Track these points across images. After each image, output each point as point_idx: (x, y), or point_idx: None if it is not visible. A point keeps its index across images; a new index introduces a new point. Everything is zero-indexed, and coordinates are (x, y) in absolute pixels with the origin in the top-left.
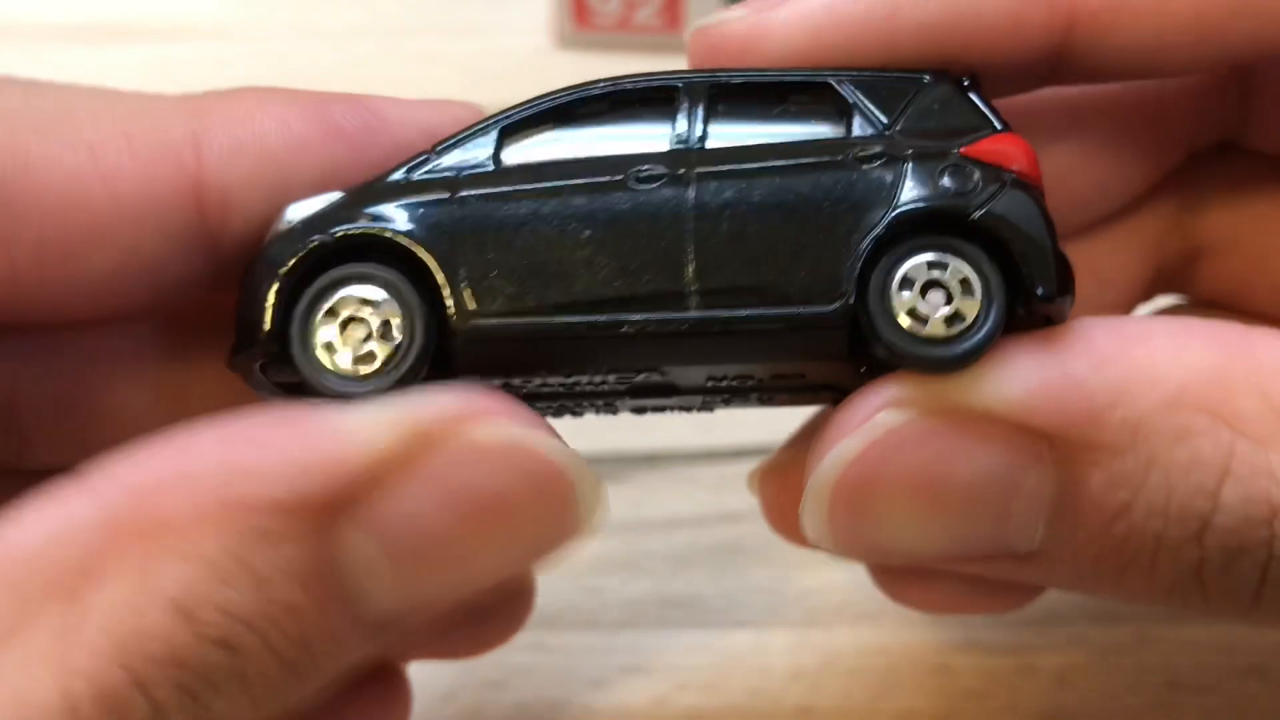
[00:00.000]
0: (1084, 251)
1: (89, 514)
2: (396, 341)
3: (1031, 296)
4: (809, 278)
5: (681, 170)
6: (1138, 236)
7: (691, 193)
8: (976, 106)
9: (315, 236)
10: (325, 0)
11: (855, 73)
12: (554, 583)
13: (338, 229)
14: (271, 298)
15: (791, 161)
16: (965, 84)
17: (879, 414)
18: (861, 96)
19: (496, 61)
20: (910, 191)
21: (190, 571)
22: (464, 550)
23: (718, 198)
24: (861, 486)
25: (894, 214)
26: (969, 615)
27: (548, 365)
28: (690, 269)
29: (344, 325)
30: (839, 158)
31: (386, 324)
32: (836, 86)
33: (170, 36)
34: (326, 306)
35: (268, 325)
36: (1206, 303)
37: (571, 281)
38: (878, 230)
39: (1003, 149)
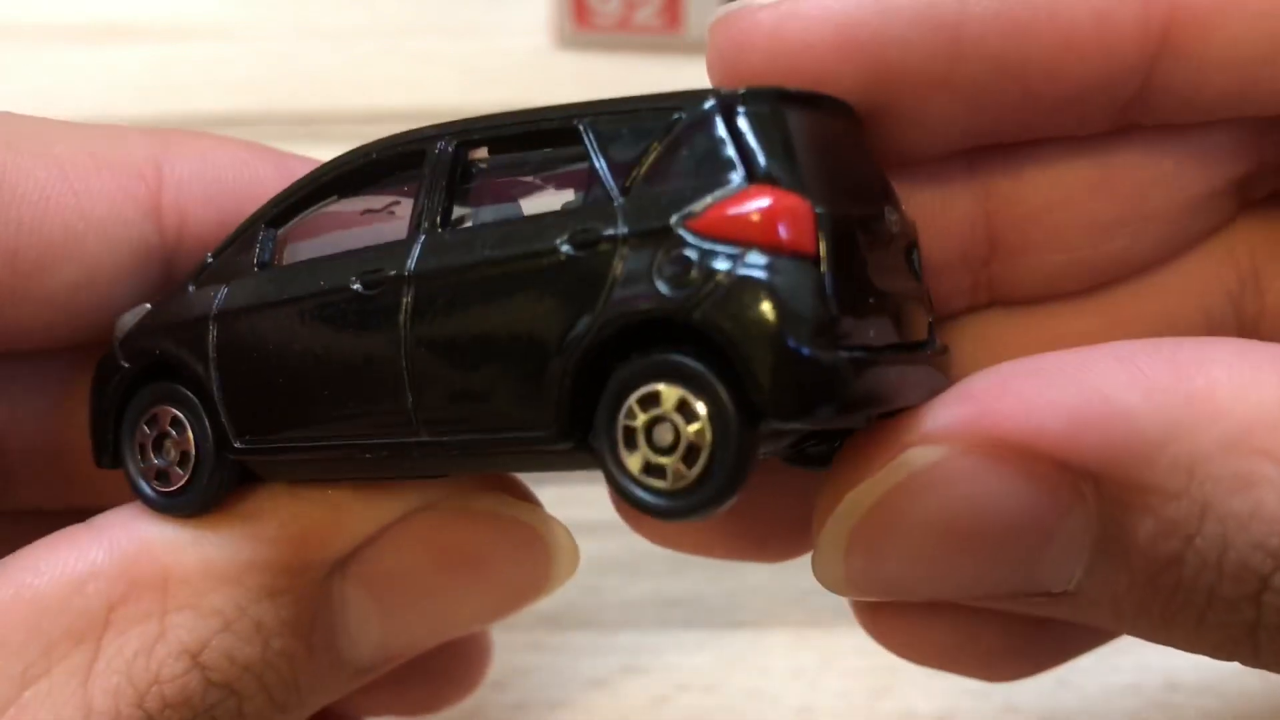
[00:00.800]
0: (1094, 334)
1: (105, 562)
2: (193, 461)
3: (761, 416)
4: (522, 401)
5: (402, 271)
6: (1173, 318)
7: (407, 299)
8: (737, 147)
9: (124, 364)
10: (325, 0)
11: (602, 111)
12: None
13: (138, 355)
14: (102, 420)
15: (507, 252)
16: (739, 111)
17: (906, 451)
18: (599, 146)
19: (496, 61)
20: (620, 290)
21: (202, 622)
22: (445, 599)
23: (428, 307)
24: (885, 530)
25: (598, 326)
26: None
27: (320, 478)
28: (408, 393)
29: (158, 444)
30: (553, 243)
31: (193, 440)
32: (582, 134)
33: (170, 36)
34: (143, 429)
35: (105, 446)
36: None
37: (312, 404)
38: (583, 345)
39: (745, 214)
